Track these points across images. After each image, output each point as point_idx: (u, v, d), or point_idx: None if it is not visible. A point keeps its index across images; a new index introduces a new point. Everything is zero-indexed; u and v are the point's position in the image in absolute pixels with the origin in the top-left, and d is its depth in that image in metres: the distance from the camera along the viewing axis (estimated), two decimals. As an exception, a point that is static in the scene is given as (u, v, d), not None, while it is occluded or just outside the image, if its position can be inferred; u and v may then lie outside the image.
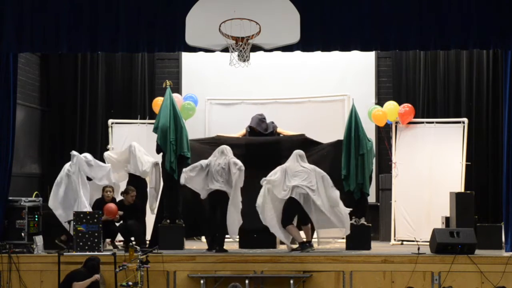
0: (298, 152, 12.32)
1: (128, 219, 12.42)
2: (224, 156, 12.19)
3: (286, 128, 13.74)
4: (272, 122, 13.47)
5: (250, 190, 12.32)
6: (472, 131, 14.46)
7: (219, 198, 12.14)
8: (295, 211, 12.22)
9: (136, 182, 12.89)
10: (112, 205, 12.32)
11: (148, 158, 12.93)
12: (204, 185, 12.16)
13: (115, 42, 11.99)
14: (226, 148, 12.30)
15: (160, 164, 12.77)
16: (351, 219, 12.48)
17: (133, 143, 13.02)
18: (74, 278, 10.35)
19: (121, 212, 12.42)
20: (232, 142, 12.79)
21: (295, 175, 12.08)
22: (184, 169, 12.22)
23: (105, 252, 11.65)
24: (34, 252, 11.88)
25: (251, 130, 13.28)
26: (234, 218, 12.11)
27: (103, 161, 13.05)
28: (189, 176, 12.14)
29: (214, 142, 13.02)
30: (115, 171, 13.03)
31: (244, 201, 12.29)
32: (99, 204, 12.49)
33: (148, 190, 12.91)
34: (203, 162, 12.21)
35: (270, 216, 12.12)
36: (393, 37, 11.89)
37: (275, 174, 12.14)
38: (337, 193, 12.13)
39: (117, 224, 12.56)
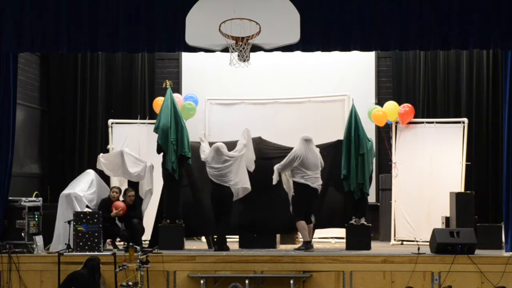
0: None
1: (132, 219, 12.47)
2: (219, 157, 12.27)
3: (286, 128, 13.80)
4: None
5: (251, 197, 12.48)
6: (472, 131, 14.47)
7: (223, 194, 12.23)
8: (305, 203, 12.25)
9: (135, 183, 12.93)
10: (119, 202, 12.50)
11: (138, 163, 12.94)
12: None
13: (115, 42, 11.98)
14: (223, 148, 12.37)
15: (161, 164, 12.77)
16: (351, 219, 12.51)
17: (125, 149, 13.04)
18: (75, 279, 10.34)
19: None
20: None
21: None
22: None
23: (105, 252, 11.66)
24: (34, 252, 11.88)
25: None
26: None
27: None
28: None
29: None
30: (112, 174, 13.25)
31: (243, 208, 12.46)
32: (105, 204, 12.53)
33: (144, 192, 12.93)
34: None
35: None
36: (393, 37, 11.87)
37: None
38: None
39: (119, 224, 12.61)
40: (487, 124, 14.83)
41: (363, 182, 12.52)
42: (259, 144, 12.92)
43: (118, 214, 12.41)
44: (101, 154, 13.26)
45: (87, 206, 12.35)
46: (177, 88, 14.95)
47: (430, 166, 13.81)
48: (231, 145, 12.57)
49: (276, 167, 12.28)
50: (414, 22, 11.79)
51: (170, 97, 12.60)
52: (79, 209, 12.11)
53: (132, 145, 13.78)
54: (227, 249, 12.15)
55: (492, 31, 11.72)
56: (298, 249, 12.13)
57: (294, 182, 12.26)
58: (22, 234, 11.91)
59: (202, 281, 11.36)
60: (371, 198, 13.82)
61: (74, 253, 11.66)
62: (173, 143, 12.38)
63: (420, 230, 13.38)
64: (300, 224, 12.19)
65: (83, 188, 12.58)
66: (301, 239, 12.56)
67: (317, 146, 12.69)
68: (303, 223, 12.18)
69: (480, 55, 14.86)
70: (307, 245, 12.15)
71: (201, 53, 12.37)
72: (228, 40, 11.02)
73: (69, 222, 11.87)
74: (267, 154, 12.86)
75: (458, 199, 12.71)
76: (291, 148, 12.47)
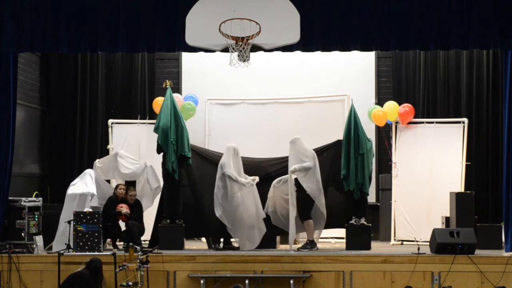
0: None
1: (130, 219, 12.46)
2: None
3: (286, 128, 13.77)
4: None
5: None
6: (472, 131, 14.47)
7: None
8: (312, 203, 12.32)
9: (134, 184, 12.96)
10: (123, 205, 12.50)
11: (134, 162, 12.95)
12: None
13: (115, 42, 11.98)
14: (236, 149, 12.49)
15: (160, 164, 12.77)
16: (351, 219, 12.51)
17: (120, 151, 13.06)
18: (77, 279, 10.33)
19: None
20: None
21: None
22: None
23: (105, 252, 11.65)
24: (34, 252, 11.88)
25: None
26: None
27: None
28: None
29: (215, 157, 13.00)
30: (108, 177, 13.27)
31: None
32: (112, 202, 12.53)
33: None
34: None
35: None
36: (393, 37, 11.88)
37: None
38: None
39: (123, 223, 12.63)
40: (487, 124, 14.82)
41: (363, 182, 12.51)
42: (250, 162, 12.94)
43: (121, 210, 12.41)
44: (97, 160, 13.28)
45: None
46: (177, 88, 14.96)
47: (430, 166, 13.82)
48: (251, 162, 12.82)
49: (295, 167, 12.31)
50: (414, 22, 11.79)
51: (170, 97, 12.60)
52: (90, 206, 12.13)
53: (132, 145, 13.79)
54: (233, 248, 12.23)
55: (492, 31, 11.72)
56: (303, 247, 12.14)
57: (302, 190, 12.29)
58: (22, 234, 11.91)
59: (202, 281, 11.37)
60: (371, 198, 13.82)
61: (74, 253, 11.66)
62: (173, 143, 12.38)
63: (420, 230, 13.38)
64: (308, 223, 12.21)
65: (93, 187, 12.55)
66: (301, 239, 12.59)
67: (316, 149, 12.73)
68: (311, 222, 12.21)
69: (480, 55, 14.86)
70: (312, 243, 12.18)
71: (201, 53, 12.38)
72: (228, 40, 11.03)
73: (69, 222, 11.86)
74: (266, 169, 12.86)
75: (458, 199, 12.71)
76: (283, 157, 12.60)
